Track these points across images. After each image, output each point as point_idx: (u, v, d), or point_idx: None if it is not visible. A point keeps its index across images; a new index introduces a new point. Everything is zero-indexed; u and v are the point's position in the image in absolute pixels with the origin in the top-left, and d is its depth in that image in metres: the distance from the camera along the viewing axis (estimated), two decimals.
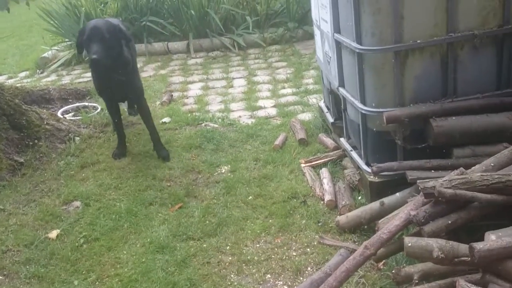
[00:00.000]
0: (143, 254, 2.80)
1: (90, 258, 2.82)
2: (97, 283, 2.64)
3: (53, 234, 3.05)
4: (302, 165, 3.54)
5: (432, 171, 2.53)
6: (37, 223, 3.18)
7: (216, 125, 4.41)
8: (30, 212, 3.31)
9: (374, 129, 2.77)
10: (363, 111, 2.74)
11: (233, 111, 4.79)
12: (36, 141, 4.11)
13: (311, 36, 4.36)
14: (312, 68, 5.71)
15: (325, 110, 3.90)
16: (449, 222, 2.05)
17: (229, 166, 3.71)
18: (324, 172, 3.33)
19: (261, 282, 2.53)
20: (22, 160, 3.92)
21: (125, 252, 2.85)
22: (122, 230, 3.04)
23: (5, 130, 3.98)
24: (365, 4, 2.48)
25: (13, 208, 3.37)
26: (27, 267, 2.79)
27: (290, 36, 6.95)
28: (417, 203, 2.17)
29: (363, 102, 2.74)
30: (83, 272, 2.71)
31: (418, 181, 2.12)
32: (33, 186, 3.64)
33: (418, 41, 2.50)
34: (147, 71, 6.34)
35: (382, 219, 2.44)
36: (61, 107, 5.12)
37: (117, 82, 3.66)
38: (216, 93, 5.34)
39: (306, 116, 4.41)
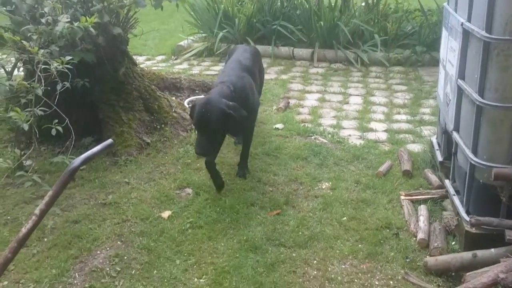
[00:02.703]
0: (238, 250, 3.08)
1: (192, 243, 3.16)
2: (195, 266, 2.96)
3: (165, 214, 3.45)
4: (402, 197, 3.59)
5: None
6: (153, 201, 3.62)
7: (325, 140, 4.58)
8: (149, 190, 3.76)
9: (481, 181, 2.77)
10: (472, 162, 2.75)
11: (344, 128, 4.91)
12: (163, 125, 4.61)
13: (437, 63, 4.29)
14: (432, 97, 5.60)
15: (436, 146, 3.89)
16: None
17: (330, 183, 3.86)
18: (423, 209, 3.37)
19: None
20: (149, 141, 4.42)
21: (222, 244, 3.15)
22: (223, 224, 3.35)
23: (139, 112, 4.52)
24: (494, 60, 2.49)
25: (136, 183, 3.85)
26: (141, 238, 3.20)
27: (416, 59, 6.84)
28: (509, 266, 2.19)
29: (475, 152, 2.75)
30: (185, 254, 3.05)
31: None
32: (154, 167, 4.11)
33: None
34: (270, 74, 6.65)
35: (470, 272, 2.46)
36: (188, 96, 5.61)
37: None
38: (331, 107, 5.49)
39: (415, 147, 4.41)
